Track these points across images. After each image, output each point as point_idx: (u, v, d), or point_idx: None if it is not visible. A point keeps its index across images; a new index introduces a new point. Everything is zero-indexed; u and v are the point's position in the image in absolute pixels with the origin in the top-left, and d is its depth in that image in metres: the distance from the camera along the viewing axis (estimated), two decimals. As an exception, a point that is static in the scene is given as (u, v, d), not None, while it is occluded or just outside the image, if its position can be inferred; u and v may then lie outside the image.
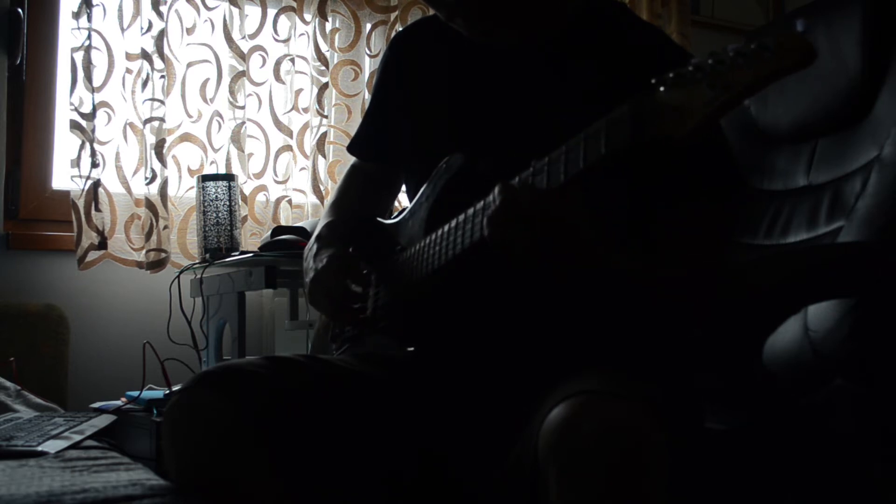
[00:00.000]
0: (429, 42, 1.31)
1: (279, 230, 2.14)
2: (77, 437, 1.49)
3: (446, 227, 1.12)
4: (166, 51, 2.36)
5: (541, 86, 1.20)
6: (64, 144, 2.32)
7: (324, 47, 2.60)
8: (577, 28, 1.21)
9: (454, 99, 1.27)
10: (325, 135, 2.57)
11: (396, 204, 1.69)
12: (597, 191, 1.06)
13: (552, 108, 1.17)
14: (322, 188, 2.55)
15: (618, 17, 1.23)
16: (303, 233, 2.09)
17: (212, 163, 2.45)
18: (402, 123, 1.35)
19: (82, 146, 2.25)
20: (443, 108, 1.28)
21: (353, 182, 1.47)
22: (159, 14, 2.34)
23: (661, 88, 0.83)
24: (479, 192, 1.06)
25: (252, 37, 2.52)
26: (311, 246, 1.33)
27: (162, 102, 2.34)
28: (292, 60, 2.57)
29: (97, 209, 2.25)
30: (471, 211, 1.07)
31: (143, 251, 2.31)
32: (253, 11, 2.53)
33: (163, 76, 2.34)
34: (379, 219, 1.39)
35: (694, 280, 1.11)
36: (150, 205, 2.31)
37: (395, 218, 1.34)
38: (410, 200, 1.31)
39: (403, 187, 1.43)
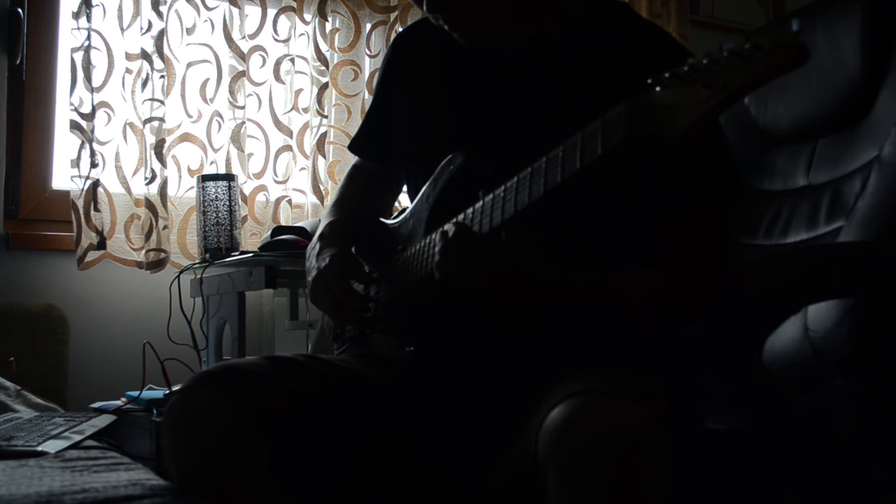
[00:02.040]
0: (430, 42, 1.31)
1: (279, 230, 2.14)
2: (77, 437, 1.49)
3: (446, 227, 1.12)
4: (166, 51, 2.36)
5: (541, 86, 1.20)
6: (64, 144, 2.32)
7: (324, 47, 2.60)
8: (579, 28, 1.21)
9: (455, 99, 1.27)
10: (324, 135, 2.57)
11: (397, 204, 1.69)
12: (596, 192, 1.06)
13: (553, 108, 1.17)
14: (322, 188, 2.55)
15: (620, 17, 1.23)
16: (303, 233, 2.09)
17: (212, 163, 2.45)
18: (403, 123, 1.35)
19: (82, 146, 2.25)
20: (444, 108, 1.28)
21: (354, 182, 1.47)
22: (159, 14, 2.34)
23: (657, 88, 0.83)
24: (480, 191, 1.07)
25: (252, 37, 2.52)
26: (314, 245, 1.33)
27: (162, 102, 2.33)
28: (292, 60, 2.57)
29: (97, 209, 2.25)
30: (471, 210, 1.07)
31: (143, 251, 2.31)
32: (253, 11, 2.53)
33: (163, 76, 2.34)
34: (380, 219, 1.39)
35: (653, 285, 1.12)
36: (149, 205, 2.31)
37: (396, 218, 1.34)
38: (411, 200, 1.31)
39: (404, 187, 1.43)
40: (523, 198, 0.98)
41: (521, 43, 1.22)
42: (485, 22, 1.18)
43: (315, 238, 1.34)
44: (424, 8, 1.18)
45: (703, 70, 0.79)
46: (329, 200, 1.51)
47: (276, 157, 2.55)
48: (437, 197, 1.22)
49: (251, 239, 2.45)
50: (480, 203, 1.05)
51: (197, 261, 2.27)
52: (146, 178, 2.31)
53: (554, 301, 1.09)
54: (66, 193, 2.30)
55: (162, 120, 2.33)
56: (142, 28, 2.32)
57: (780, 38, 0.74)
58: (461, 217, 1.09)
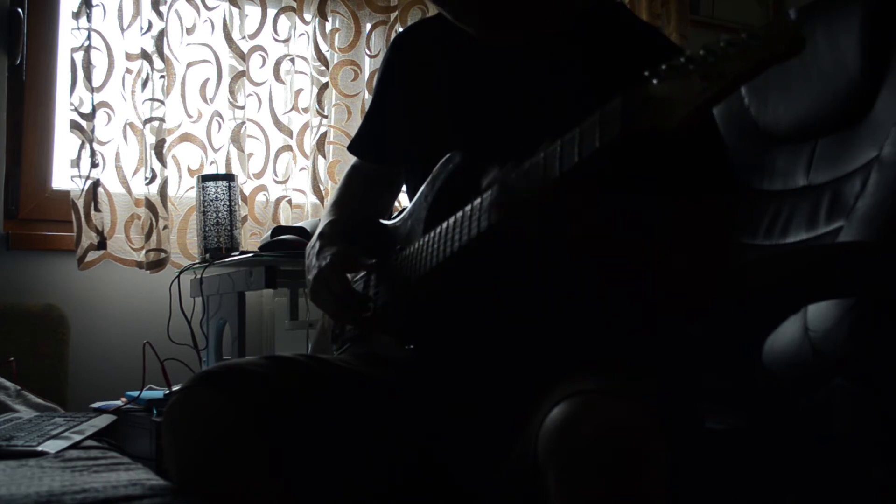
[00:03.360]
0: (429, 42, 1.31)
1: (279, 230, 2.14)
2: (77, 437, 1.49)
3: (444, 225, 1.13)
4: (166, 51, 2.36)
5: (541, 85, 1.20)
6: (64, 144, 2.32)
7: (324, 47, 2.60)
8: (577, 28, 1.21)
9: (454, 99, 1.27)
10: (324, 135, 2.57)
11: (396, 204, 1.69)
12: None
13: (552, 107, 1.17)
14: (322, 188, 2.55)
15: (618, 18, 1.23)
16: (303, 233, 2.09)
17: (212, 163, 2.45)
18: (402, 123, 1.35)
19: (82, 146, 2.25)
20: (442, 108, 1.28)
21: (353, 182, 1.47)
22: (159, 14, 2.34)
23: (654, 81, 0.83)
24: (478, 191, 1.06)
25: (252, 37, 2.52)
26: (314, 244, 1.33)
27: (162, 102, 2.34)
28: (292, 60, 2.57)
29: (97, 209, 2.26)
30: (468, 208, 1.07)
31: (143, 251, 2.31)
32: (253, 11, 2.53)
33: (163, 76, 2.34)
34: (379, 220, 1.39)
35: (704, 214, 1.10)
36: (150, 205, 2.31)
37: (395, 218, 1.34)
38: (410, 200, 1.31)
39: (403, 187, 1.43)
40: None
41: (520, 42, 1.22)
42: (510, 23, 1.18)
43: (315, 237, 1.34)
44: (452, 14, 1.18)
45: (700, 61, 0.79)
46: (328, 200, 1.51)
47: (276, 157, 2.55)
48: (435, 196, 1.22)
49: (251, 239, 2.45)
50: (479, 201, 1.05)
51: (197, 261, 2.27)
52: (146, 178, 2.31)
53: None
54: (66, 193, 2.30)
55: (162, 120, 2.33)
56: (142, 28, 2.32)
57: (776, 27, 0.74)
58: (464, 211, 1.09)
